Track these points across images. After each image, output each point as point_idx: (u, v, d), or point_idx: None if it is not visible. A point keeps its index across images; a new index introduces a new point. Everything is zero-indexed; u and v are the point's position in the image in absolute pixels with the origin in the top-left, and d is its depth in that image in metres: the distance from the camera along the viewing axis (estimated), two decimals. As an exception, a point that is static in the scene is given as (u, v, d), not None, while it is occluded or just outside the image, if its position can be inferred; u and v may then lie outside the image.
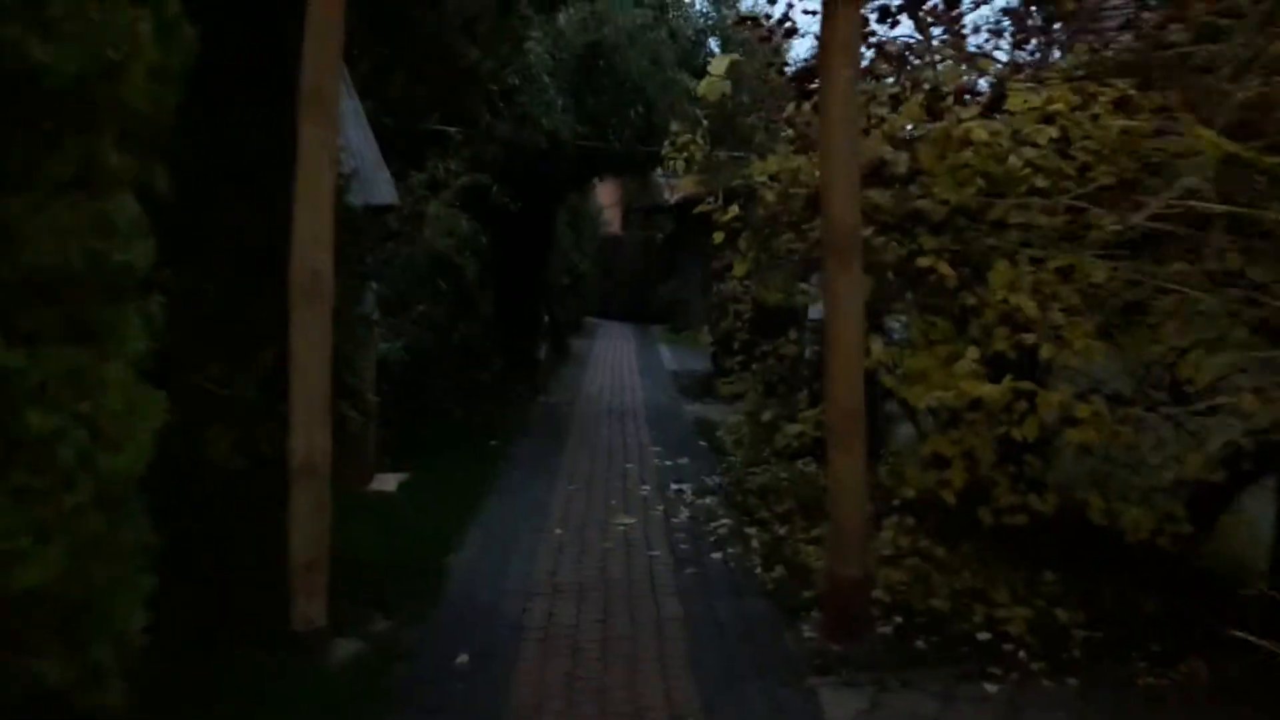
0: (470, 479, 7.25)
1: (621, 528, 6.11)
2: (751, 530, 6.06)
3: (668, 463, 8.06)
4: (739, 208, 5.44)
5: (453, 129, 8.73)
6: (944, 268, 4.74)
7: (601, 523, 6.22)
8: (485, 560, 5.45)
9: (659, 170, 11.95)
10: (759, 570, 5.35)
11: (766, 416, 6.32)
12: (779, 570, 5.30)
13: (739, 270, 5.18)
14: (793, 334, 6.84)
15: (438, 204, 8.15)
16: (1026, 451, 4.90)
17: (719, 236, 5.58)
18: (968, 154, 4.85)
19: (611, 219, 27.38)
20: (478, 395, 9.45)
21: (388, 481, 7.05)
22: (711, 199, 5.70)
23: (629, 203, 28.79)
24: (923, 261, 4.79)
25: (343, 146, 6.69)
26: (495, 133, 8.90)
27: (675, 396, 12.02)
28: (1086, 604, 4.61)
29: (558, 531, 6.00)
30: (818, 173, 5.15)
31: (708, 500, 6.80)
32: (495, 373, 9.97)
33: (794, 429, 5.02)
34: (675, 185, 25.98)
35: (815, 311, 7.31)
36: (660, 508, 6.60)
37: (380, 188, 6.80)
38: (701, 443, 8.93)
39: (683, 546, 5.76)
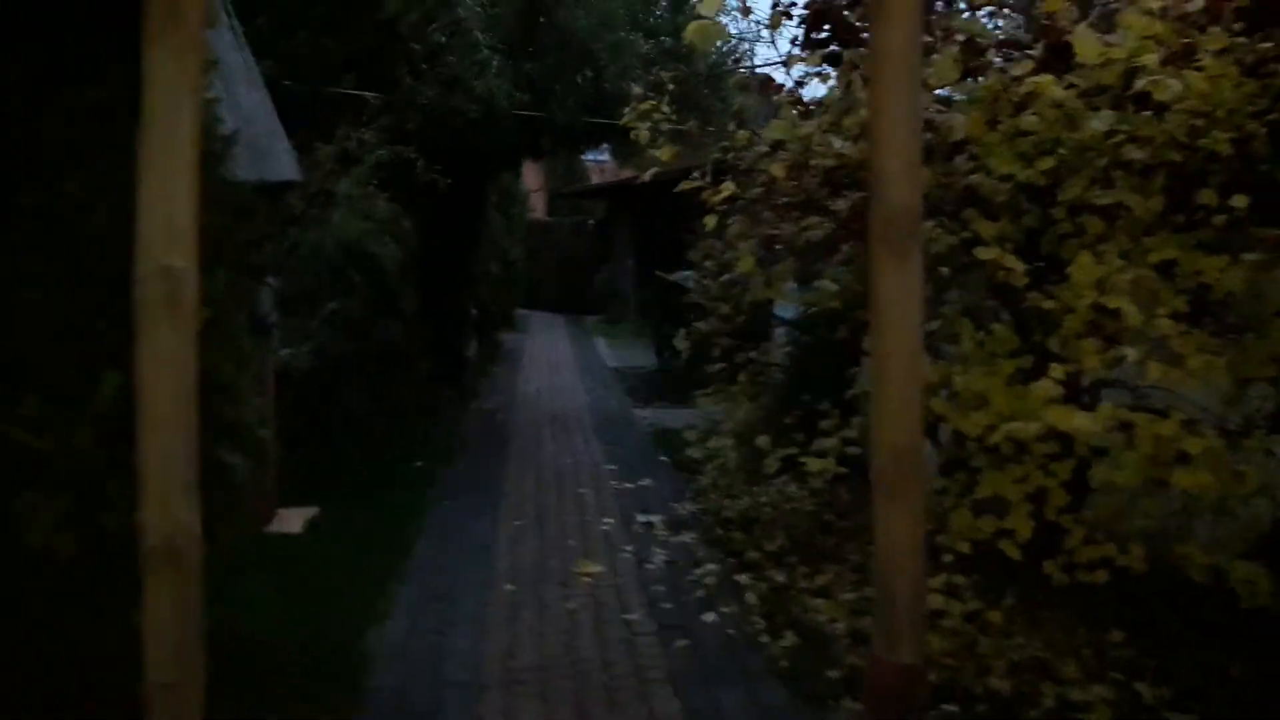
0: (395, 514, 6.02)
1: (587, 579, 4.98)
2: (744, 578, 5.00)
3: (628, 485, 6.94)
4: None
5: (369, 94, 7.42)
6: (1011, 261, 3.73)
7: (561, 573, 5.07)
8: (418, 634, 4.25)
9: (605, 145, 10.75)
10: (764, 637, 4.29)
11: (762, 442, 5.27)
12: (789, 638, 4.26)
13: (744, 266, 4.09)
14: (782, 335, 5.80)
15: (350, 181, 6.84)
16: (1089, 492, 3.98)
17: (711, 221, 4.46)
18: (1030, 119, 3.85)
19: (536, 204, 26.07)
20: (401, 405, 8.17)
21: (292, 520, 5.77)
22: (696, 174, 4.59)
23: (555, 186, 27.54)
24: (983, 254, 3.77)
25: (226, 103, 5.38)
26: (419, 98, 7.61)
27: (622, 399, 10.89)
28: (1166, 674, 3.72)
29: (508, 587, 4.83)
30: (839, 143, 4.10)
31: (684, 537, 5.71)
32: (420, 377, 8.69)
33: (817, 464, 3.97)
34: (620, 166, 24.84)
35: (783, 309, 6.28)
36: (629, 549, 5.47)
37: (278, 161, 5.50)
38: (663, 457, 7.83)
39: (664, 605, 4.65)
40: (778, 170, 3.99)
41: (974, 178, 3.93)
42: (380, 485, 6.58)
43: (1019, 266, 3.71)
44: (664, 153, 4.70)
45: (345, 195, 6.86)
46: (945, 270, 3.74)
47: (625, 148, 10.34)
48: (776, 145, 4.28)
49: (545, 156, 12.51)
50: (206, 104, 3.46)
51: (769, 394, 6.26)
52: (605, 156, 28.75)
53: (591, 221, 24.31)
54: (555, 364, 13.99)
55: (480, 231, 11.41)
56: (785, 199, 4.21)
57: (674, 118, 5.32)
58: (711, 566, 5.15)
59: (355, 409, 7.08)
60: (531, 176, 24.92)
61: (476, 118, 7.77)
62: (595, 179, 25.65)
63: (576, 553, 5.40)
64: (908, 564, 3.39)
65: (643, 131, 5.11)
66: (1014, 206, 3.93)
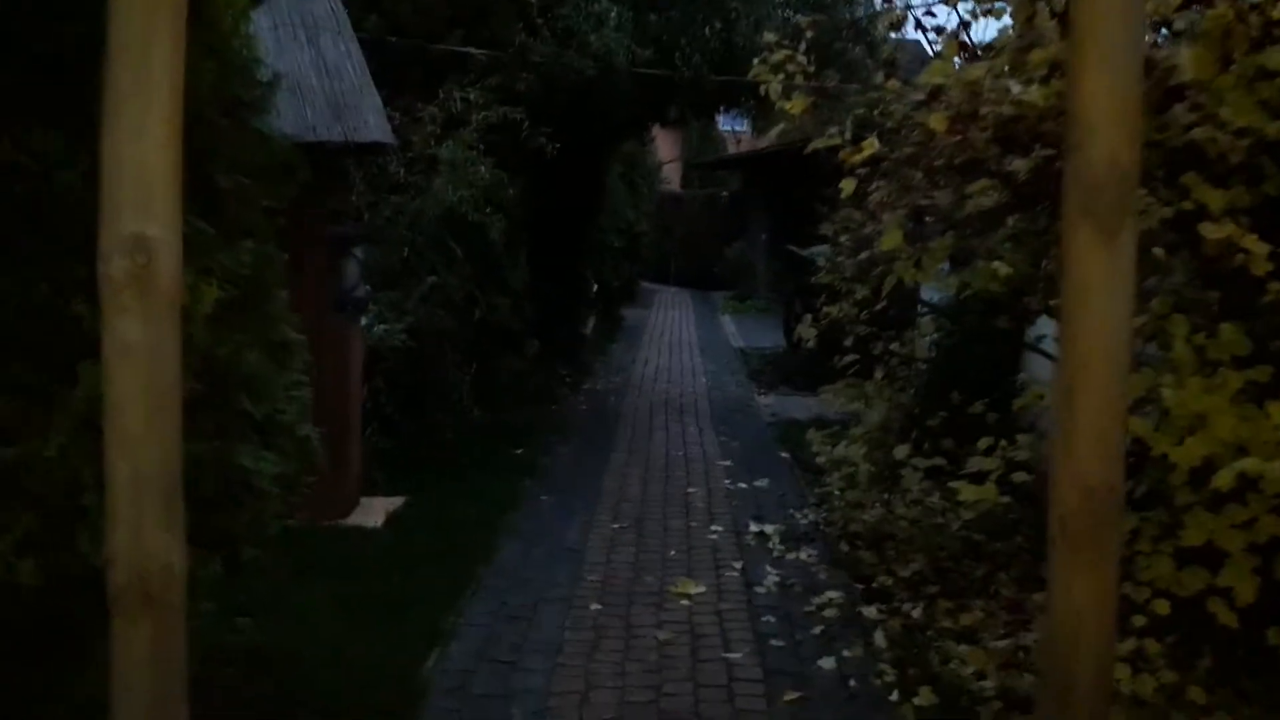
0: (484, 508, 5.50)
1: (685, 602, 4.31)
2: (872, 611, 4.23)
3: (742, 485, 6.22)
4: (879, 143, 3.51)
5: (476, 51, 6.89)
6: (1251, 241, 2.80)
7: (657, 592, 4.42)
8: (485, 662, 3.68)
9: (739, 111, 9.89)
10: (894, 694, 3.53)
11: (900, 453, 4.47)
12: (925, 695, 3.48)
13: (889, 242, 3.29)
14: (927, 323, 4.93)
15: (454, 145, 6.33)
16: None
17: (848, 186, 3.66)
18: (1278, 55, 2.90)
19: (670, 176, 25.38)
20: (505, 387, 7.69)
21: (374, 511, 5.33)
22: (835, 131, 3.80)
23: (690, 157, 26.76)
24: (1210, 231, 2.85)
25: (308, 55, 4.92)
26: (531, 56, 7.02)
27: (745, 384, 10.13)
28: None
29: (594, 607, 4.22)
30: (1017, 88, 3.23)
31: (803, 553, 4.96)
32: (530, 357, 8.18)
33: (971, 491, 3.14)
34: (757, 134, 23.86)
35: (929, 292, 5.38)
36: (737, 565, 4.77)
37: (365, 120, 5.00)
38: (783, 453, 7.06)
39: (775, 643, 3.93)
40: (937, 123, 3.16)
41: (1197, 132, 3.00)
42: (475, 474, 6.10)
43: (1261, 249, 2.78)
44: (795, 105, 3.92)
45: (448, 160, 6.35)
46: (1158, 251, 2.85)
47: (762, 114, 9.49)
48: (935, 93, 3.44)
49: (671, 121, 11.73)
50: (240, 40, 2.93)
51: (910, 391, 5.40)
52: (743, 126, 27.83)
53: (725, 194, 23.46)
54: (677, 342, 13.33)
55: (600, 202, 10.82)
56: (942, 160, 3.37)
57: (811, 69, 4.51)
58: (833, 594, 4.39)
59: (455, 391, 6.62)
60: (666, 147, 24.24)
61: (593, 76, 7.12)
62: (732, 150, 24.76)
63: (677, 567, 4.73)
64: (1094, 639, 2.54)
65: (775, 85, 4.32)
66: (1251, 169, 2.98)
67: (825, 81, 4.91)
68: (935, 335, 5.74)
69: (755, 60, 4.58)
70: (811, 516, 5.55)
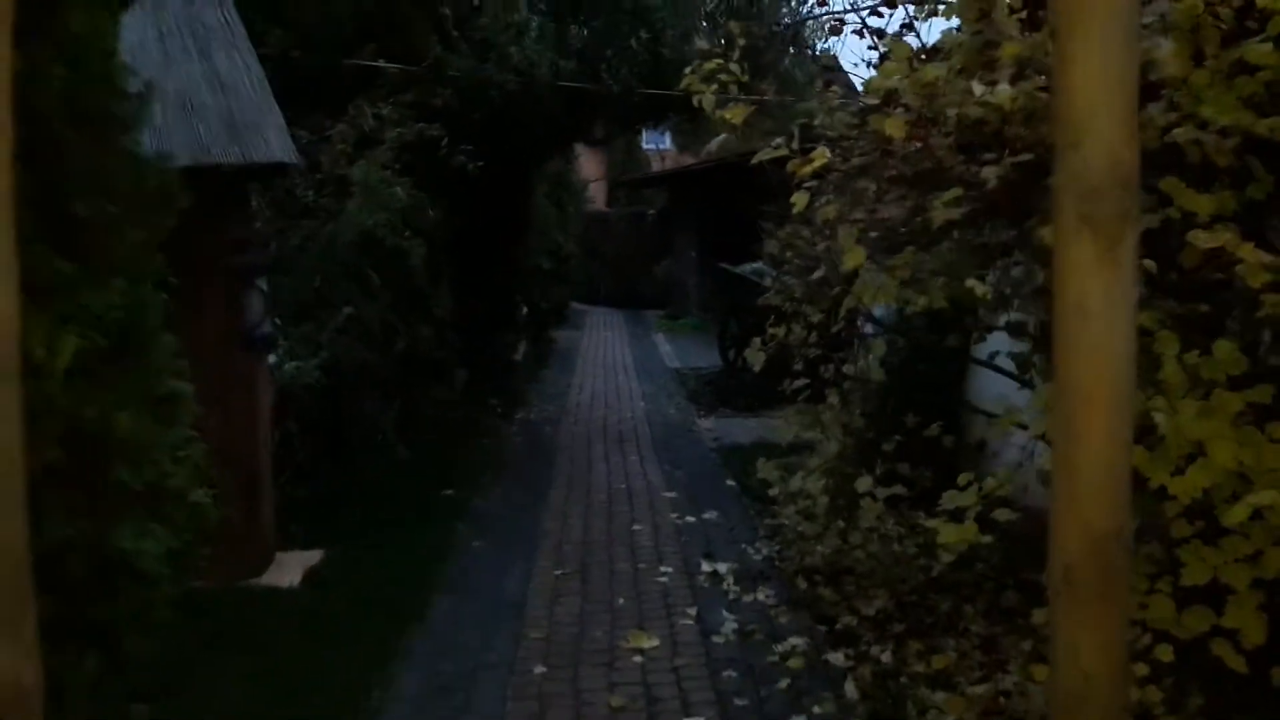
0: (412, 559, 5.05)
1: (638, 658, 3.93)
2: (839, 657, 3.92)
3: (690, 518, 5.87)
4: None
5: (390, 65, 6.47)
6: (1247, 250, 2.57)
7: (606, 649, 4.03)
8: (417, 746, 3.26)
9: (665, 127, 9.62)
10: (872, 755, 3.21)
11: (863, 484, 4.19)
12: (905, 755, 3.18)
13: (852, 260, 2.99)
14: (879, 342, 4.66)
15: (366, 165, 5.89)
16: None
17: (800, 200, 3.36)
18: (1259, 48, 2.70)
19: (595, 195, 25.11)
20: (432, 421, 7.23)
21: (290, 569, 4.84)
22: (779, 143, 3.50)
23: (614, 175, 26.55)
24: (1201, 239, 2.62)
25: (200, 70, 4.46)
26: (448, 70, 6.62)
27: (684, 406, 9.81)
28: None
29: (538, 670, 3.82)
30: (979, 88, 2.97)
31: (759, 594, 4.63)
32: (458, 388, 7.74)
33: (951, 533, 2.83)
34: (682, 150, 23.66)
35: (878, 309, 5.13)
36: (691, 612, 4.42)
37: (265, 139, 4.55)
38: (729, 481, 6.75)
39: (738, 701, 3.58)
40: (894, 128, 2.88)
41: (1178, 133, 2.78)
42: (402, 520, 5.63)
43: (1256, 258, 2.55)
44: (734, 113, 3.61)
45: (361, 181, 5.91)
46: (1149, 263, 2.60)
47: (687, 129, 9.24)
48: (888, 98, 3.16)
49: (597, 138, 11.42)
50: (102, 43, 2.50)
51: (862, 415, 5.13)
52: (666, 144, 27.74)
53: (652, 212, 23.27)
54: (611, 365, 12.97)
55: (526, 223, 10.44)
56: (898, 170, 3.10)
57: (745, 79, 4.22)
58: (796, 641, 4.06)
59: (375, 430, 6.15)
60: (589, 166, 23.95)
61: (514, 90, 6.75)
62: (657, 168, 24.59)
63: (627, 618, 4.36)
64: (1104, 702, 2.29)
65: (708, 95, 4.02)
66: (1237, 173, 2.77)
67: (761, 91, 4.64)
68: (881, 353, 5.50)
69: (686, 70, 4.27)
70: (765, 551, 5.24)
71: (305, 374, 5.41)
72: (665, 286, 19.69)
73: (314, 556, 5.02)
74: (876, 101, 3.19)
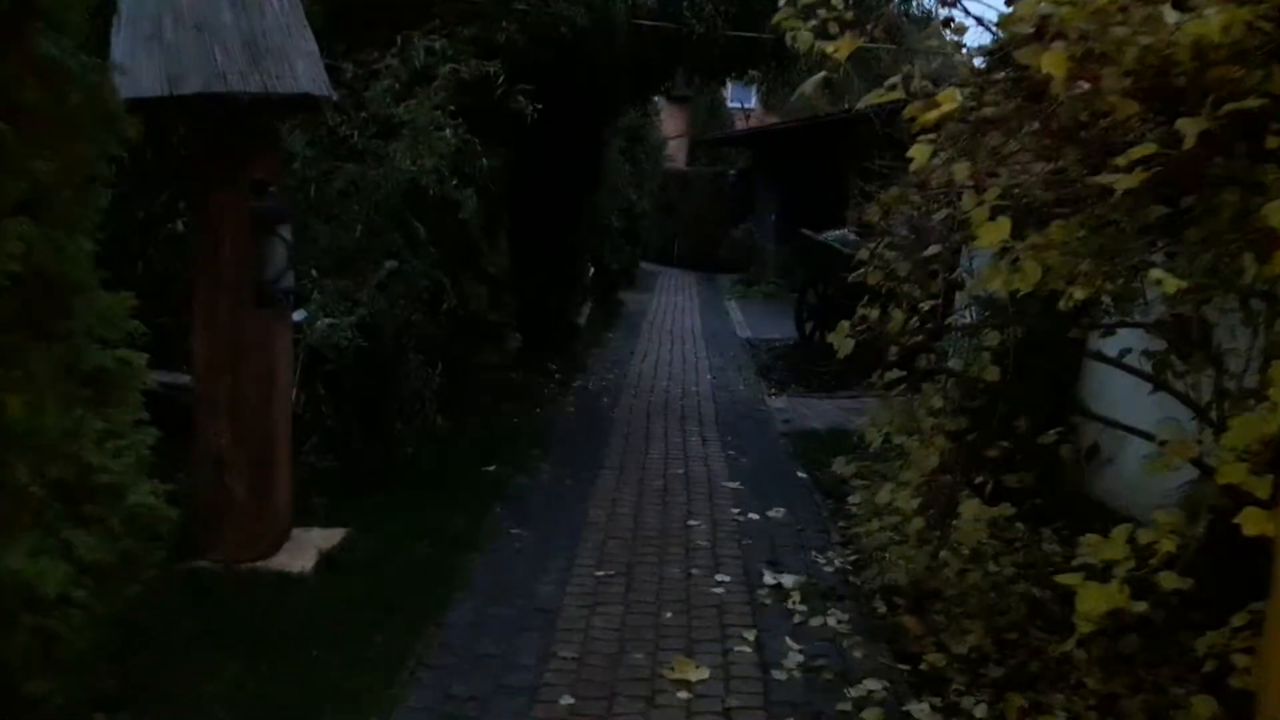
0: (440, 547, 4.53)
1: (683, 694, 3.34)
2: (922, 709, 3.27)
3: (753, 515, 5.23)
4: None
5: (448, -6, 5.85)
6: None
7: (647, 678, 3.44)
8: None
9: (758, 68, 8.76)
10: None
11: (972, 512, 3.50)
12: None
13: (991, 235, 2.27)
14: (989, 332, 3.92)
15: (416, 105, 5.30)
16: None
17: (921, 154, 2.65)
18: None
19: (675, 153, 24.26)
20: (481, 388, 6.71)
21: (305, 550, 4.36)
22: (895, 81, 2.79)
23: (696, 133, 25.64)
24: None
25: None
26: (513, 2, 5.98)
27: (754, 383, 9.12)
28: None
29: (565, 700, 3.25)
30: (1173, 16, 2.23)
31: (830, 618, 3.98)
32: (511, 352, 7.19)
33: (1096, 597, 2.13)
34: (766, 109, 22.61)
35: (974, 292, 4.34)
36: (749, 636, 3.79)
37: (292, 66, 3.98)
38: (800, 473, 6.08)
39: (801, 763, 2.96)
40: (1052, 65, 2.17)
41: None
42: (435, 499, 5.12)
43: None
44: (841, 46, 2.90)
45: (409, 122, 5.33)
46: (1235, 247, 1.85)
47: (776, 83, 8.41)
48: (1041, 28, 2.43)
49: (677, 89, 10.63)
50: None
51: (962, 410, 4.38)
52: (752, 102, 26.67)
53: (732, 172, 22.37)
54: (679, 332, 12.31)
55: (597, 178, 9.77)
56: (1059, 119, 2.37)
57: (849, 16, 3.49)
58: (872, 685, 3.42)
59: (418, 397, 5.63)
60: (671, 123, 23.07)
61: (586, 28, 6.07)
62: (741, 128, 23.62)
63: (673, 638, 3.76)
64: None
65: (804, 33, 3.30)
66: None
67: (868, 31, 3.89)
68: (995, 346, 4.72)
69: (780, 2, 3.55)
70: (838, 562, 4.58)
71: (338, 333, 4.90)
72: (742, 250, 18.86)
73: (334, 536, 4.53)
74: (1029, 30, 2.45)
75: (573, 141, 7.83)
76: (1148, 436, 3.08)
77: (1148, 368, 3.47)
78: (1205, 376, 3.02)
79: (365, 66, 5.50)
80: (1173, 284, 1.99)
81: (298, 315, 4.83)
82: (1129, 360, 3.69)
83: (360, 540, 4.52)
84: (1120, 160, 2.05)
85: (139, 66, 3.80)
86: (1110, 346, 3.87)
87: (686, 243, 21.57)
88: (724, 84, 11.09)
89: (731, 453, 6.47)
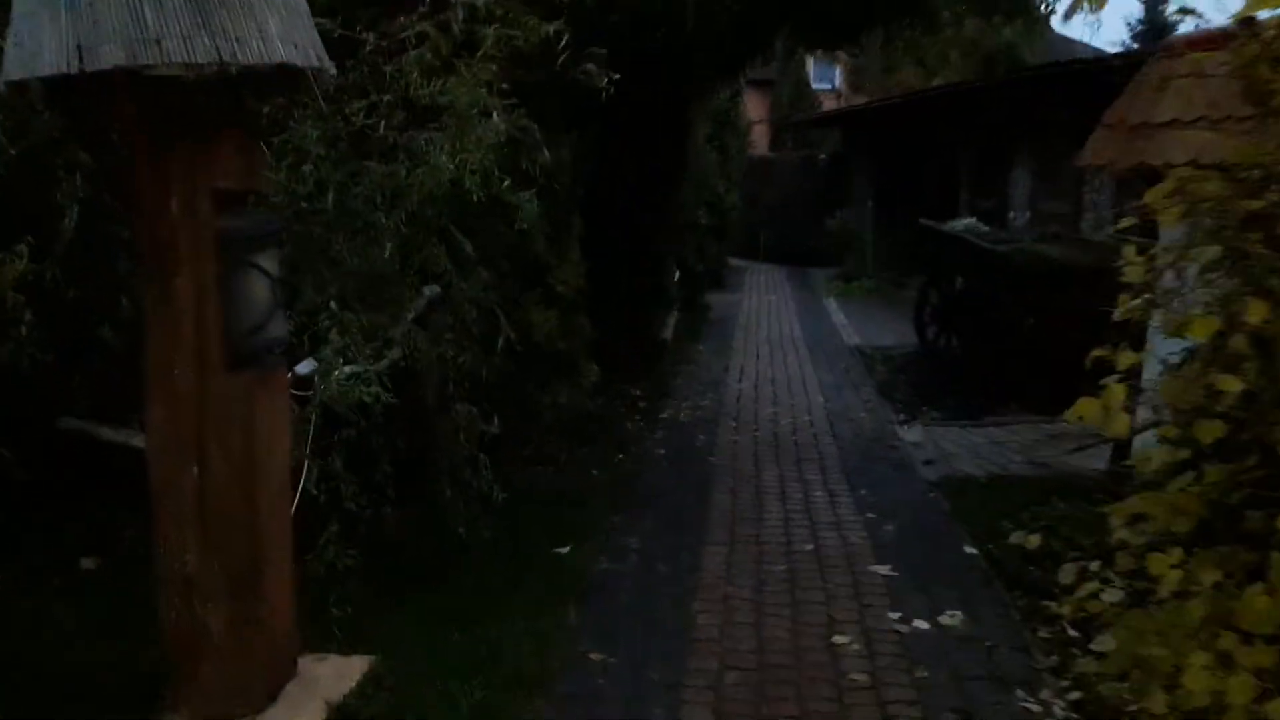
0: (495, 683, 3.28)
1: None
2: None
3: (921, 625, 3.82)
4: None
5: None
6: None
7: None
8: None
9: (869, 36, 7.30)
10: None
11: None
12: None
13: None
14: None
15: (455, 84, 4.05)
16: None
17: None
18: None
19: (757, 139, 22.76)
20: (551, 430, 5.46)
21: (311, 699, 3.15)
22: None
23: (779, 117, 24.09)
24: None
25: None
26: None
27: (877, 406, 7.67)
28: None
29: None
30: None
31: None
32: (586, 387, 5.90)
33: None
34: (852, 89, 20.91)
35: (1164, 344, 2.75)
36: None
37: (257, 25, 2.75)
38: (968, 548, 4.64)
39: None
40: None
41: None
42: (490, 603, 3.87)
43: None
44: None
45: (448, 107, 4.08)
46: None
47: (899, 46, 6.93)
48: None
49: (758, 66, 9.19)
50: None
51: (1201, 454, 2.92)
52: (837, 81, 24.97)
53: (823, 156, 20.76)
54: (778, 340, 10.89)
55: (683, 169, 8.44)
56: None
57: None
58: None
59: (469, 460, 4.40)
60: (751, 106, 21.55)
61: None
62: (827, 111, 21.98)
63: None
64: None
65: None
66: None
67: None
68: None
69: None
70: (1059, 709, 3.17)
71: (354, 388, 3.69)
72: (838, 241, 17.27)
73: (352, 673, 3.32)
74: None
75: (655, 127, 6.52)
76: None
77: None
78: None
79: (390, 37, 4.27)
80: None
81: (303, 367, 3.65)
82: None
83: (386, 678, 3.29)
84: None
85: (39, 35, 2.64)
86: None
87: (773, 234, 20.06)
88: (833, 55, 9.60)
89: (871, 516, 5.06)
